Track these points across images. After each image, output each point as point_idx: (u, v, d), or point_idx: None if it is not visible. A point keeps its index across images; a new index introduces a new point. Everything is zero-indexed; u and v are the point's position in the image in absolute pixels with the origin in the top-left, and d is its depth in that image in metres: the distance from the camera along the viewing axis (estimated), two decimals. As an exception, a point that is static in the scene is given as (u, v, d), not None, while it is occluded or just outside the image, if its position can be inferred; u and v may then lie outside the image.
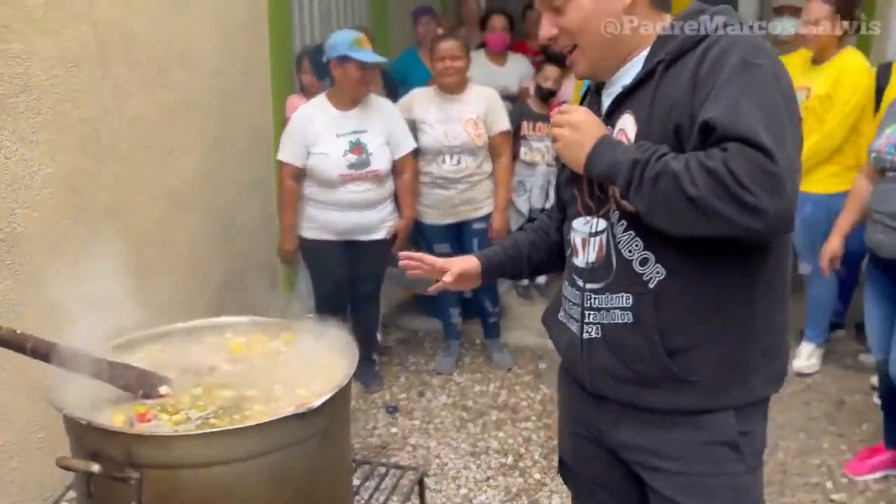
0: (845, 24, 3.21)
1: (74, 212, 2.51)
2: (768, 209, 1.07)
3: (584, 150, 1.24)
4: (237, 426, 1.47)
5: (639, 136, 1.24)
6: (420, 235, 3.70)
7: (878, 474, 2.74)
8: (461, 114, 3.44)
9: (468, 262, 1.60)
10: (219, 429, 1.47)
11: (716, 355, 1.26)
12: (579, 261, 1.38)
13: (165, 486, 1.43)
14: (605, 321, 1.32)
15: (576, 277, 1.39)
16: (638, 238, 1.27)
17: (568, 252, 1.44)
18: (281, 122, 3.57)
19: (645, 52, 1.30)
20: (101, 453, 1.43)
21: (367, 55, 3.12)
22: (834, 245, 2.91)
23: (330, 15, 5.01)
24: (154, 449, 1.41)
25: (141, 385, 1.60)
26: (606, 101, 1.35)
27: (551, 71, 4.04)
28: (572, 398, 1.48)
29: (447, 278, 1.56)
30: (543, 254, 1.63)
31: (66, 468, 1.44)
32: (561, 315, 1.45)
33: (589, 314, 1.34)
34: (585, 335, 1.35)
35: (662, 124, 1.21)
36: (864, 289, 2.79)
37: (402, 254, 1.63)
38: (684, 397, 1.27)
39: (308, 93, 3.59)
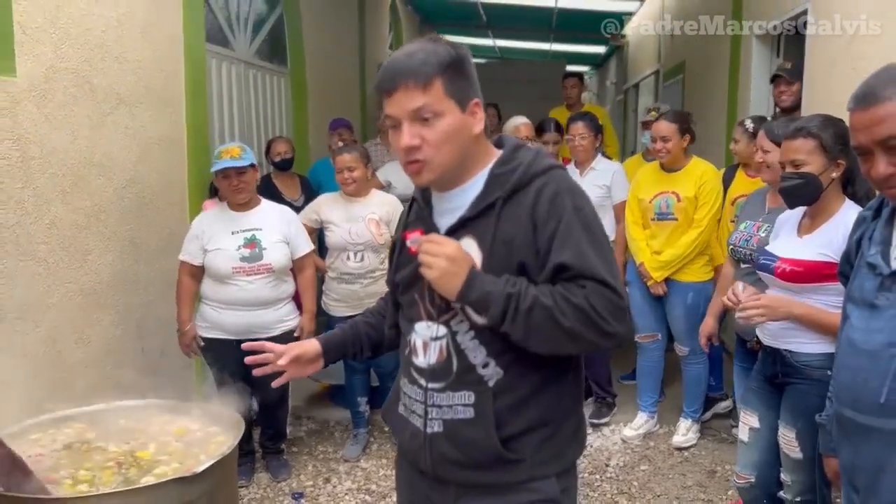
0: (686, 137, 3.76)
1: (-10, 310, 2.69)
2: (619, 332, 1.36)
3: (458, 281, 1.37)
4: (129, 487, 1.67)
5: (484, 262, 1.42)
6: (329, 329, 3.94)
7: (736, 531, 3.03)
8: (364, 214, 3.78)
9: (307, 345, 1.67)
10: (111, 490, 1.67)
11: (538, 437, 1.47)
12: (420, 361, 1.52)
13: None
14: (446, 417, 1.48)
15: (417, 376, 1.53)
16: (482, 346, 1.45)
17: (406, 351, 1.57)
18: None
19: (478, 178, 1.47)
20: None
21: (223, 163, 3.27)
22: (709, 326, 3.31)
23: (251, 124, 5.40)
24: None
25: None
26: (444, 217, 1.51)
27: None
28: (413, 482, 1.61)
29: (281, 362, 1.60)
30: (381, 335, 1.71)
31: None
32: (401, 409, 1.58)
33: (432, 410, 1.49)
34: (429, 430, 1.49)
35: (505, 257, 1.41)
36: (734, 365, 3.16)
37: (245, 346, 1.64)
38: (515, 473, 1.47)
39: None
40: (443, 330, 1.48)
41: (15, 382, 1.69)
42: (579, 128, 4.17)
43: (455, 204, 1.49)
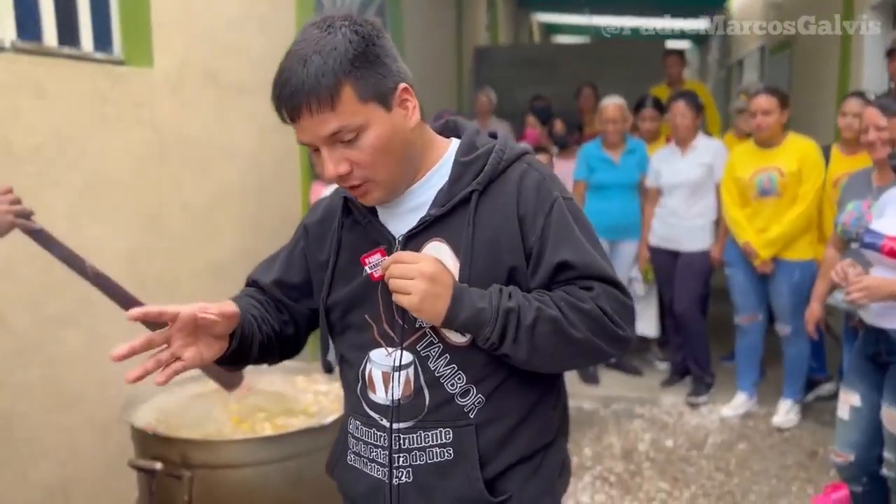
0: (786, 112, 3.70)
1: (134, 281, 3.00)
2: (629, 337, 1.20)
3: (442, 302, 1.13)
4: (262, 435, 1.90)
5: (463, 269, 1.18)
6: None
7: (837, 509, 3.03)
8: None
9: (222, 309, 1.18)
10: (250, 437, 1.90)
11: (525, 471, 1.25)
12: (379, 398, 1.24)
13: (210, 484, 1.85)
14: (417, 462, 1.22)
15: (375, 416, 1.25)
16: (460, 371, 1.20)
17: (357, 386, 1.28)
18: (308, 205, 4.11)
19: (436, 169, 1.24)
20: (162, 457, 1.86)
21: None
22: (815, 311, 3.29)
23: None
24: (202, 452, 1.84)
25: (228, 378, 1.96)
26: (398, 221, 1.24)
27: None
28: None
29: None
30: (272, 338, 1.33)
31: (136, 468, 1.87)
32: (351, 459, 1.30)
33: (399, 457, 1.22)
34: (395, 480, 1.23)
35: (490, 262, 1.18)
36: (843, 347, 3.14)
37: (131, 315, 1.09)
38: None
39: (321, 177, 4.15)
40: (408, 356, 1.21)
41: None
42: (680, 106, 4.16)
43: (411, 203, 1.23)
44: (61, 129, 2.58)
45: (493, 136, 1.28)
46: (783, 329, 3.90)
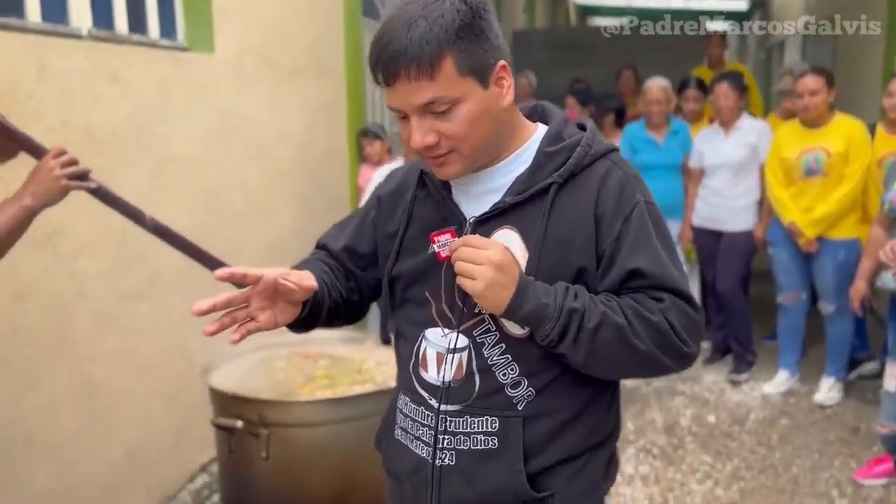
0: (833, 91, 3.71)
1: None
2: (694, 354, 1.17)
3: (506, 292, 1.11)
4: (333, 397, 2.03)
5: (531, 261, 1.16)
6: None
7: (882, 481, 3.08)
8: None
9: (301, 276, 1.21)
10: (322, 398, 2.03)
11: (570, 469, 1.23)
12: (430, 377, 1.24)
13: (285, 441, 1.99)
14: (461, 447, 1.21)
15: (425, 394, 1.25)
16: (514, 362, 1.19)
17: (410, 362, 1.28)
18: (355, 185, 4.24)
19: (518, 155, 1.21)
20: (241, 416, 2.00)
21: None
22: (861, 289, 3.34)
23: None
24: (278, 412, 1.98)
25: None
26: (471, 202, 1.22)
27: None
28: None
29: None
30: (338, 302, 1.32)
31: (217, 426, 2.02)
32: (398, 434, 1.30)
33: (444, 439, 1.22)
34: (438, 461, 1.22)
35: (559, 259, 1.16)
36: (889, 325, 3.18)
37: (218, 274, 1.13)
38: None
39: (369, 161, 4.26)
40: (463, 341, 1.21)
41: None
42: (724, 88, 4.19)
43: (487, 186, 1.21)
44: (134, 114, 2.72)
45: (581, 127, 1.25)
46: (827, 308, 3.93)
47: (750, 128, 4.21)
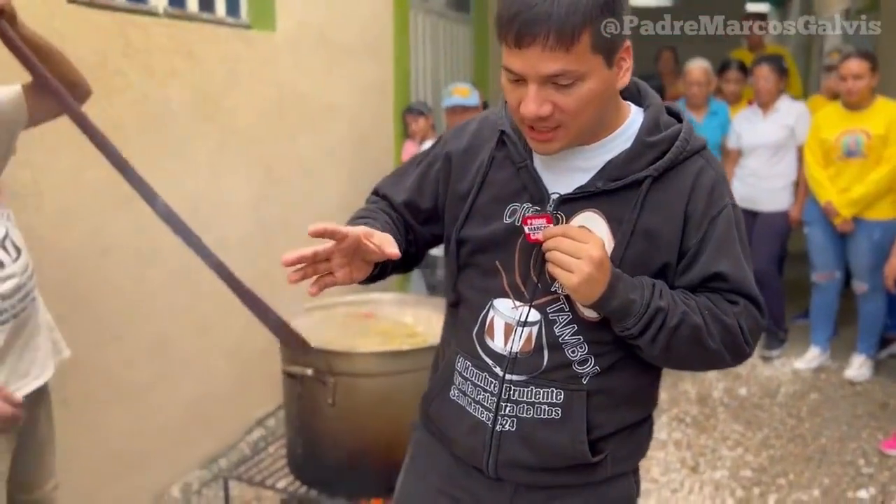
0: (876, 75, 3.78)
1: (256, 225, 3.35)
2: (749, 356, 1.23)
3: (599, 287, 1.11)
4: (394, 349, 2.20)
5: (616, 251, 1.16)
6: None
7: (907, 451, 3.21)
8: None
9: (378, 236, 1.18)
10: (386, 350, 2.21)
11: (624, 434, 1.28)
12: (497, 345, 1.24)
13: (350, 389, 2.17)
14: (524, 415, 1.23)
15: (490, 362, 1.26)
16: (585, 343, 1.21)
17: (474, 327, 1.27)
18: (400, 161, 4.41)
19: (614, 138, 1.19)
20: (310, 365, 2.18)
21: (453, 100, 4.05)
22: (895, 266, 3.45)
23: (439, 73, 5.89)
24: (345, 362, 2.15)
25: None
26: (558, 178, 1.20)
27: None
28: (454, 475, 1.35)
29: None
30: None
31: (288, 374, 2.20)
32: (455, 395, 1.31)
33: (506, 406, 1.24)
34: (498, 427, 1.24)
35: (645, 253, 1.17)
36: None
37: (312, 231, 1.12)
38: (594, 474, 1.27)
39: (413, 137, 4.43)
40: (535, 315, 1.21)
41: (280, 278, 2.27)
42: (764, 70, 4.26)
43: (578, 164, 1.19)
44: (204, 87, 2.90)
45: (673, 114, 1.25)
46: (860, 286, 4.02)
47: (788, 109, 4.28)
